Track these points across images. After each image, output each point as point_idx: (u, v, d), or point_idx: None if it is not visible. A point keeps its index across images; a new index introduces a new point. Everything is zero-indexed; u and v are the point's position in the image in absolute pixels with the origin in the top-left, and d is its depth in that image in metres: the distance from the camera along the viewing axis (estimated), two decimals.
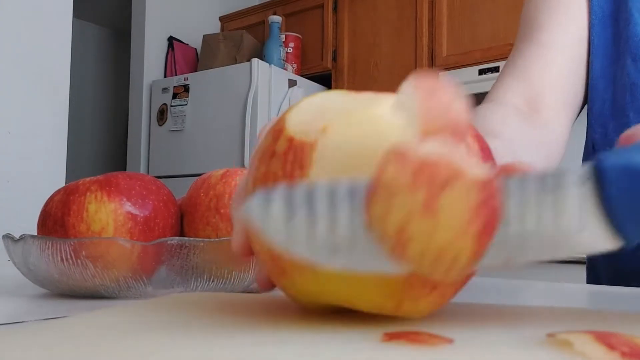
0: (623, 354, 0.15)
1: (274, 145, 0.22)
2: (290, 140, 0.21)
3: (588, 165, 0.18)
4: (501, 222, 0.17)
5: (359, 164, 0.19)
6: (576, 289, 0.45)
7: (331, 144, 0.20)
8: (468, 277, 0.21)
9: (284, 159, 0.21)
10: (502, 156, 0.42)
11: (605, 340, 0.15)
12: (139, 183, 0.40)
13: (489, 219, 0.17)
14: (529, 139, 0.49)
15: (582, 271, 0.69)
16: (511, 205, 0.18)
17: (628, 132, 0.22)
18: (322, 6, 2.64)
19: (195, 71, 2.71)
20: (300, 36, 2.69)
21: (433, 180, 0.16)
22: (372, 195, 0.17)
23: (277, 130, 0.22)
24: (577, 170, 0.18)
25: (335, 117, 0.21)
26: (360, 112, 0.20)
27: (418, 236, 0.16)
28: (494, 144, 0.42)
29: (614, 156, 0.18)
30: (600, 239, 0.18)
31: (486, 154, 0.22)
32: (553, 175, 0.18)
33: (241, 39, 2.65)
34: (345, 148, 0.20)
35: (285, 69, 2.58)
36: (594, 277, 0.61)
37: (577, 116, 0.59)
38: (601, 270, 0.59)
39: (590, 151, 0.59)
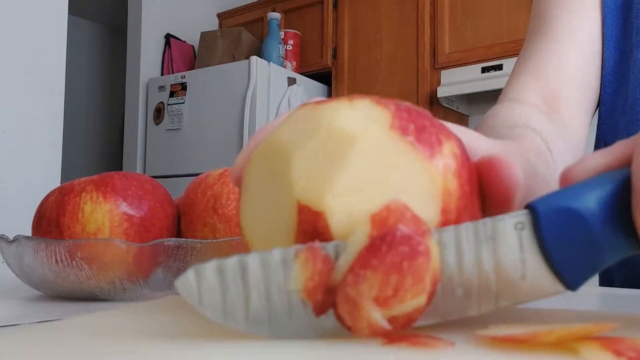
0: (630, 359, 0.14)
1: None
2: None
3: (522, 212, 0.18)
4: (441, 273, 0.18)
5: (270, 208, 0.19)
6: (586, 291, 0.44)
7: (247, 183, 0.21)
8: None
9: (239, 192, 0.22)
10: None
11: (612, 346, 0.15)
12: (135, 183, 0.39)
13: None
14: (556, 140, 0.45)
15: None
16: (448, 255, 0.18)
17: (565, 172, 0.21)
18: (321, 2, 2.63)
19: (193, 69, 2.70)
20: (299, 33, 2.68)
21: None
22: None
23: None
24: (512, 216, 0.18)
25: (256, 153, 0.21)
26: (268, 148, 0.20)
27: None
28: (533, 138, 0.38)
29: (547, 201, 0.18)
30: (542, 285, 0.18)
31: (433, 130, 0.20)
32: (487, 223, 0.18)
33: (239, 36, 2.64)
34: (253, 188, 0.20)
35: (285, 67, 2.57)
36: (606, 280, 0.60)
37: (593, 116, 0.56)
38: (614, 273, 0.58)
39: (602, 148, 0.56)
